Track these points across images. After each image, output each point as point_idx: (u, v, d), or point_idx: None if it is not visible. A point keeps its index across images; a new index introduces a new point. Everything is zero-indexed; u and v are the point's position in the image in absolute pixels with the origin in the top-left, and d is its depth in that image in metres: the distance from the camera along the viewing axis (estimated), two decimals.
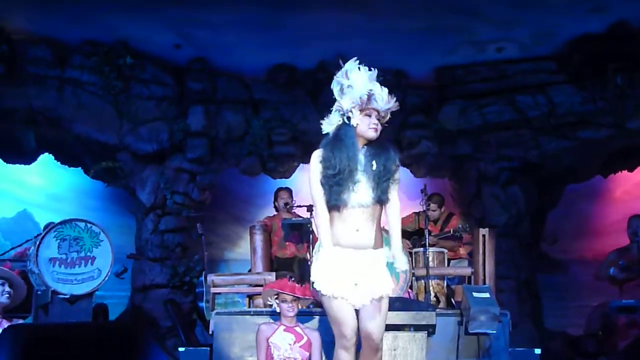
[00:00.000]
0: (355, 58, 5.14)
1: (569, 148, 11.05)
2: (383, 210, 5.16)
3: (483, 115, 11.10)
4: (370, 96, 5.07)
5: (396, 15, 9.44)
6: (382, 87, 5.14)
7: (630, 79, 10.24)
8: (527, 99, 10.93)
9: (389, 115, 5.19)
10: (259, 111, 11.29)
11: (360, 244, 5.02)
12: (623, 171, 11.94)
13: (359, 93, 5.06)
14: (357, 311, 5.02)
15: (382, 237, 5.17)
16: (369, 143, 5.11)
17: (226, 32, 10.25)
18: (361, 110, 5.08)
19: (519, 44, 10.59)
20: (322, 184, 5.02)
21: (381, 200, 5.04)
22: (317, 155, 5.09)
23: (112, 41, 10.60)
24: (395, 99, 5.17)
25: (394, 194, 5.16)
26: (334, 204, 4.99)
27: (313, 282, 5.12)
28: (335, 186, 4.94)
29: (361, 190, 4.98)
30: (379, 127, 5.11)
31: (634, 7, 9.64)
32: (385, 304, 5.08)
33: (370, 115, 5.09)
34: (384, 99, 5.10)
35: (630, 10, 9.75)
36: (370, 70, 5.12)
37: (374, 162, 5.01)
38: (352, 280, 4.99)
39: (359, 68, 5.09)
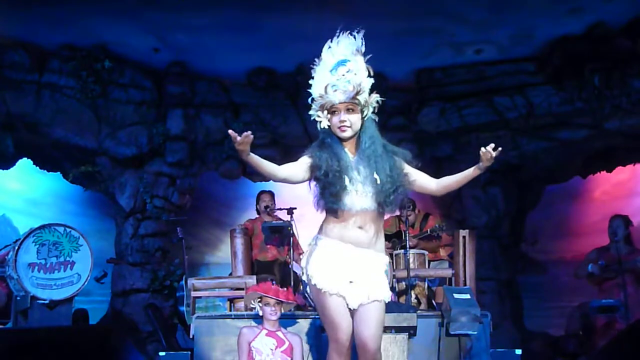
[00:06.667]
0: (328, 45, 4.66)
1: (547, 149, 11.10)
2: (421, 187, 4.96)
3: (462, 117, 11.12)
4: (326, 91, 4.54)
5: (375, 18, 9.42)
6: (349, 69, 4.59)
7: (607, 79, 10.27)
8: (505, 101, 10.96)
9: (369, 99, 4.68)
10: (238, 114, 11.28)
11: (362, 242, 4.56)
12: (602, 172, 11.96)
13: (316, 92, 4.60)
14: (352, 314, 4.60)
15: (384, 243, 4.75)
16: (362, 145, 4.63)
17: (205, 35, 10.23)
18: (327, 110, 4.59)
19: (497, 46, 10.62)
20: (316, 186, 4.57)
21: (383, 207, 4.59)
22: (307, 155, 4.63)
23: (91, 45, 10.56)
24: (367, 74, 4.71)
25: (419, 175, 5.03)
26: (331, 207, 4.54)
27: (308, 277, 4.66)
28: (329, 186, 4.48)
29: (360, 194, 4.52)
30: (352, 124, 4.57)
31: (611, 8, 9.70)
32: (381, 310, 4.64)
33: (335, 112, 4.57)
34: (343, 89, 4.53)
35: (608, 11, 9.79)
36: (336, 46, 4.62)
37: (376, 176, 4.53)
38: (347, 277, 4.55)
39: (324, 56, 4.64)
